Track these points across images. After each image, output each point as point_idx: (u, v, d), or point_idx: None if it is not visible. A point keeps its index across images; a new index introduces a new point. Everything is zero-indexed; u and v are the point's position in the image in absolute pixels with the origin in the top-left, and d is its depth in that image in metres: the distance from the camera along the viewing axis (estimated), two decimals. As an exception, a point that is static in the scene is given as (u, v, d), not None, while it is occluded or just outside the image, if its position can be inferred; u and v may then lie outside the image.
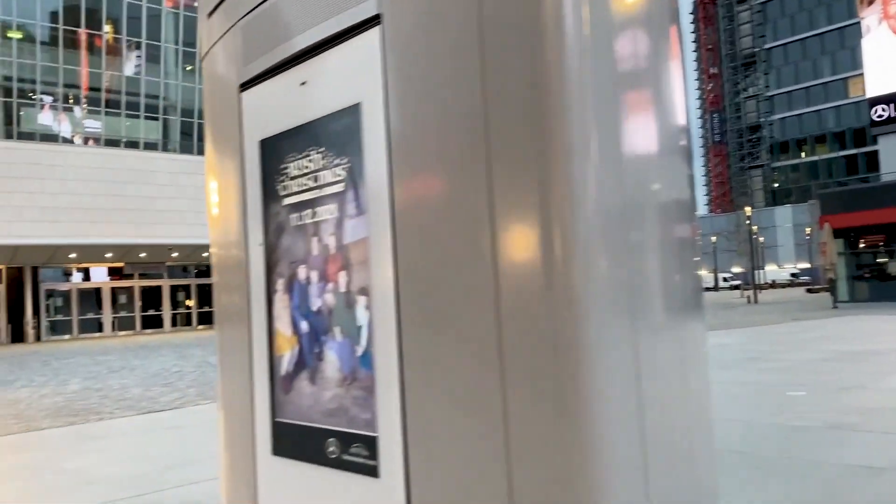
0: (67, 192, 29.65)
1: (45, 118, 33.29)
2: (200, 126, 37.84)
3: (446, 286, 1.72)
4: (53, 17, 33.44)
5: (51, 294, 31.88)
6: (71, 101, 33.95)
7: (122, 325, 33.10)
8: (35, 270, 30.84)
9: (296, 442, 2.38)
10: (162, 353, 20.10)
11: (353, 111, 2.05)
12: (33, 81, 33.02)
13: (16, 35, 32.86)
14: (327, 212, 2.23)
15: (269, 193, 2.49)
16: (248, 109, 2.57)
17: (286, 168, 2.40)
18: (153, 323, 33.96)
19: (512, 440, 1.56)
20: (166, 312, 34.45)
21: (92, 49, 34.36)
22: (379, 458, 1.95)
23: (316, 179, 2.26)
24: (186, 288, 35.43)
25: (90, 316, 32.66)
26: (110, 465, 6.35)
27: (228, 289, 2.81)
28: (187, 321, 35.11)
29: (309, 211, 2.30)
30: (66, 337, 31.43)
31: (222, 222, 2.82)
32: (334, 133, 2.16)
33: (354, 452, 2.08)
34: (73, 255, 30.39)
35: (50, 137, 33.09)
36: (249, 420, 2.62)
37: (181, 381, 13.12)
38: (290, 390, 2.44)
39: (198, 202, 32.77)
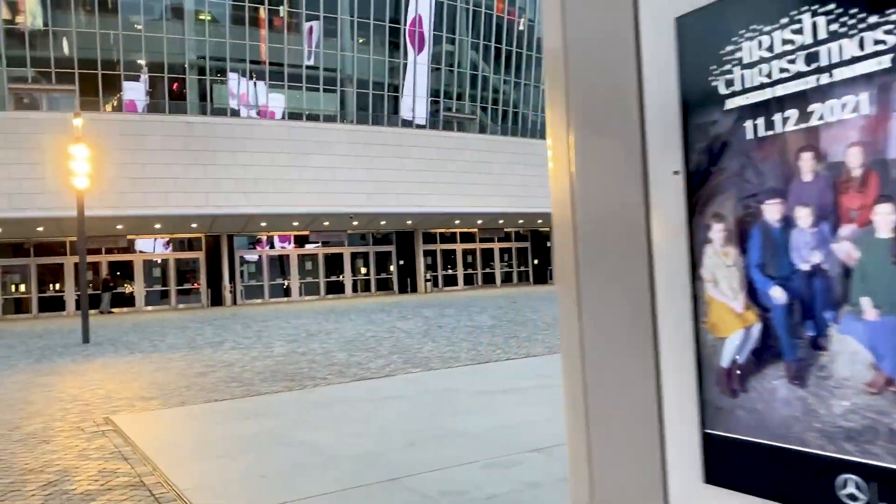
0: (256, 163, 31.15)
1: (234, 94, 35.14)
2: (375, 97, 38.47)
3: None
4: (239, -3, 35.04)
5: (244, 261, 33.97)
6: (256, 76, 35.57)
7: (308, 290, 34.65)
8: (230, 238, 32.89)
9: (756, 469, 1.55)
10: (350, 318, 20.49)
11: None
12: (223, 59, 34.89)
13: (206, 17, 34.80)
14: (841, 108, 1.34)
15: (694, 94, 1.64)
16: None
17: (736, 50, 1.54)
18: (335, 289, 35.29)
19: None
20: (347, 279, 35.67)
21: (273, 26, 35.71)
22: None
23: (813, 59, 1.38)
24: (365, 255, 36.46)
25: (279, 281, 34.47)
26: (344, 439, 6.00)
27: (593, 241, 2.02)
28: (366, 287, 36.16)
29: (793, 111, 1.43)
30: (258, 301, 33.38)
31: (591, 151, 2.02)
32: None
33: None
34: (263, 224, 32.06)
35: (239, 112, 34.94)
36: (653, 427, 1.82)
37: (380, 346, 13.02)
38: (740, 391, 1.61)
39: (375, 171, 33.37)
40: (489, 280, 40.03)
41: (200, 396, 8.66)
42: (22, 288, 30.61)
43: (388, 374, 9.62)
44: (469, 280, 39.38)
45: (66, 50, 32.07)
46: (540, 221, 39.72)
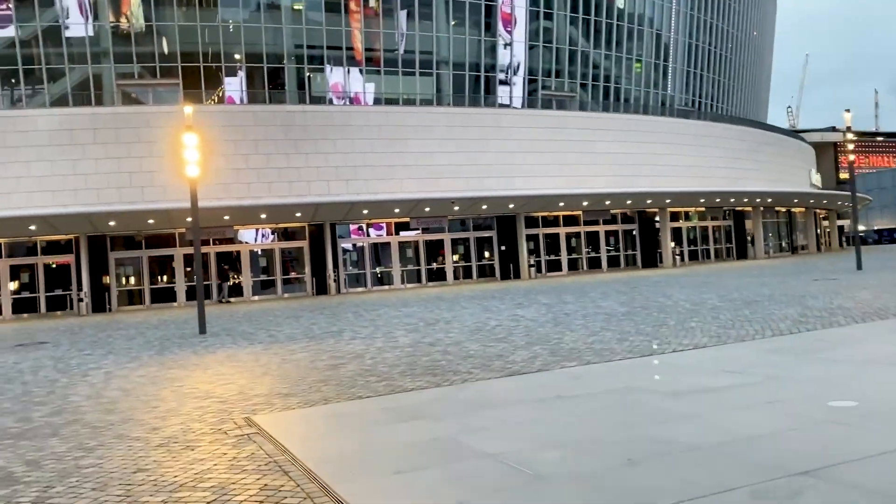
0: (356, 150, 30.73)
1: (331, 81, 34.86)
2: (471, 79, 37.44)
3: None
4: (333, -17, 34.66)
5: (346, 249, 33.75)
6: (352, 63, 35.16)
7: (409, 278, 34.09)
8: (333, 227, 32.67)
9: None
10: (462, 306, 19.59)
11: None
12: (319, 47, 34.64)
13: (301, 6, 34.59)
14: None
15: None
16: None
17: None
18: (437, 276, 34.61)
19: None
20: (448, 266, 34.90)
21: (367, 12, 35.17)
22: None
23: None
24: (465, 241, 35.58)
25: (380, 269, 34.08)
26: (537, 451, 4.98)
27: None
28: (467, 274, 35.31)
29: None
30: (361, 289, 33.08)
31: None
32: None
33: None
34: (365, 212, 31.65)
35: (336, 99, 34.65)
36: None
37: (512, 336, 12.00)
38: None
39: (474, 155, 32.37)
40: (594, 265, 38.41)
41: (341, 392, 7.87)
42: (131, 280, 31.33)
43: (540, 369, 8.58)
44: (573, 265, 37.89)
45: (169, 45, 32.53)
46: (649, 202, 37.76)
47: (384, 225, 34.22)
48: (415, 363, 9.69)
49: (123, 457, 5.67)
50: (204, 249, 31.20)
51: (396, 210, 32.05)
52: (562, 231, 37.59)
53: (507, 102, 38.29)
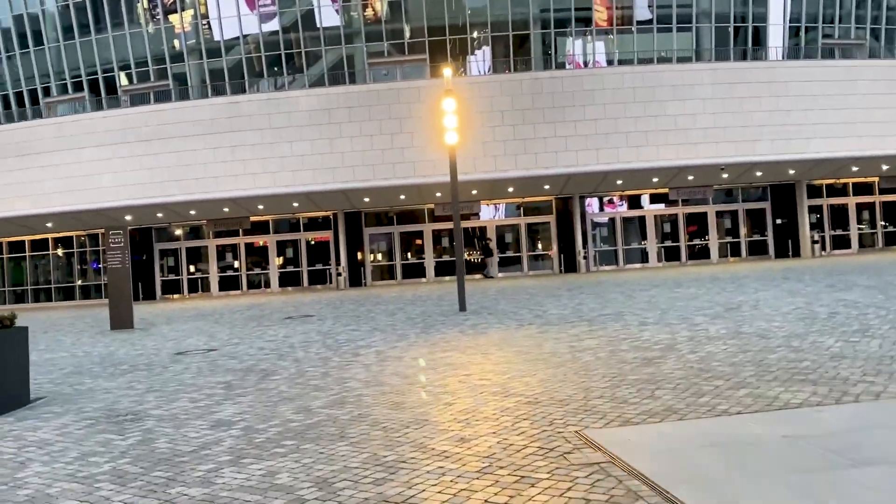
0: (607, 116, 28.26)
1: (579, 44, 32.55)
2: (737, 30, 33.04)
3: None
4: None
5: (597, 224, 31.48)
6: (601, 23, 32.52)
7: (668, 255, 30.99)
8: (582, 200, 30.60)
9: None
10: (753, 287, 16.49)
11: None
12: (567, 10, 32.45)
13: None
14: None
15: None
16: None
17: None
18: (699, 253, 31.11)
19: None
20: (713, 242, 31.19)
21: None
22: None
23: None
24: (733, 214, 31.56)
25: (634, 246, 31.37)
26: None
27: None
28: (735, 251, 31.31)
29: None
30: (612, 267, 30.70)
31: None
32: None
33: None
34: (619, 182, 29.14)
35: (584, 64, 32.30)
36: None
37: (869, 328, 9.09)
38: None
39: (743, 115, 28.33)
40: (893, 241, 32.27)
41: (688, 401, 5.80)
42: (384, 256, 31.78)
43: None
44: (867, 241, 32.11)
45: (415, 21, 32.32)
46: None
47: (639, 197, 31.42)
48: (761, 361, 7.33)
49: (440, 487, 4.10)
50: (451, 225, 30.74)
51: (654, 179, 29.10)
52: (851, 201, 31.97)
53: (780, 56, 33.28)
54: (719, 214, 31.36)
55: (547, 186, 28.79)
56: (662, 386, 6.46)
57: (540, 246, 31.66)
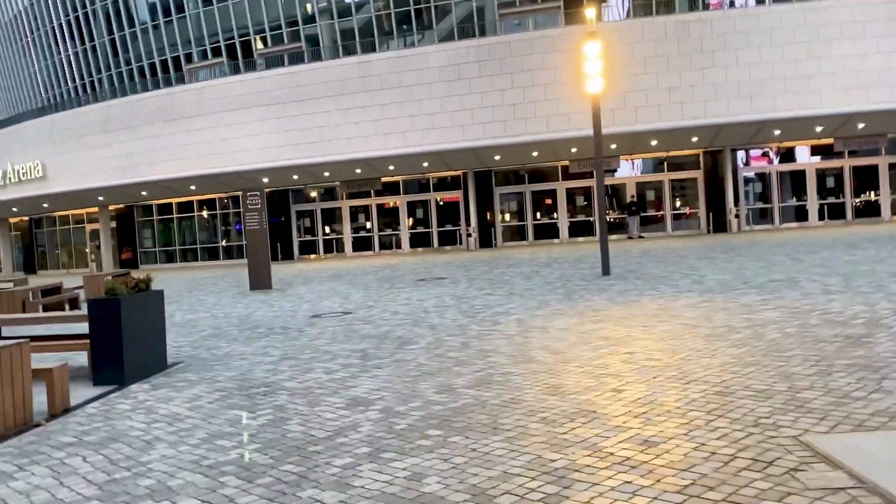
0: (763, 60, 25.54)
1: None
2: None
3: None
4: None
5: (749, 179, 28.88)
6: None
7: (831, 213, 27.99)
8: (733, 154, 28.12)
9: None
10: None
11: None
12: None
13: None
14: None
15: None
16: None
17: None
18: (867, 211, 27.88)
19: None
20: (884, 198, 27.81)
21: None
22: None
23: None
24: (913, 165, 28.07)
25: (791, 203, 28.57)
26: None
27: None
28: (911, 208, 27.89)
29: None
30: (766, 227, 28.11)
31: None
32: None
33: None
34: (777, 132, 26.43)
35: (737, 2, 29.37)
36: None
37: None
38: None
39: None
40: None
41: (935, 400, 4.52)
42: (514, 216, 30.77)
43: None
44: None
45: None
46: None
47: (793, 150, 28.50)
48: None
49: (635, 516, 3.17)
50: (587, 182, 29.25)
51: (818, 129, 26.15)
52: None
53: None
54: (892, 167, 27.88)
55: (695, 139, 26.58)
56: (889, 375, 5.16)
57: (683, 204, 29.52)
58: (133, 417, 5.61)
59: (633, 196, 29.00)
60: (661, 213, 29.32)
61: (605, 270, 14.61)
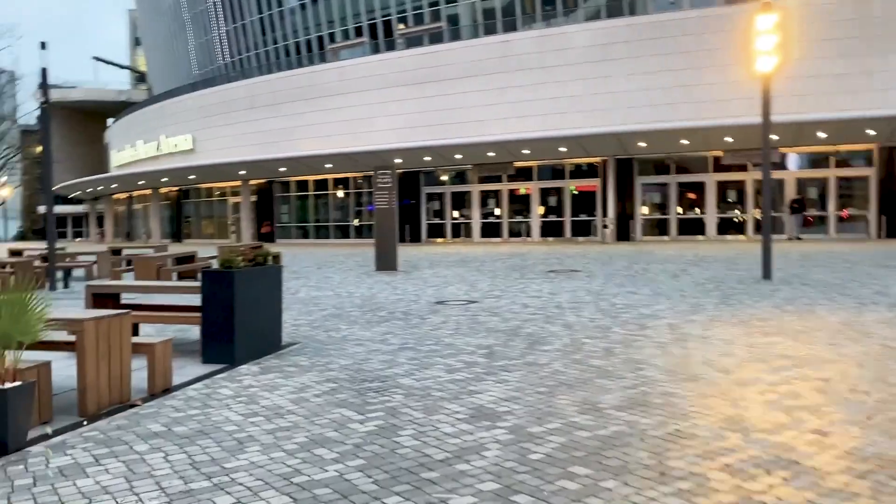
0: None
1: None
2: None
3: None
4: None
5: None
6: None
7: None
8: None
9: None
10: None
11: None
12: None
13: None
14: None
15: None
16: None
17: None
18: None
19: None
20: None
21: None
22: None
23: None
24: None
25: (985, 209, 24.94)
26: None
27: None
28: None
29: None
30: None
31: None
32: None
33: None
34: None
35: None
36: None
37: None
38: None
39: None
40: None
41: None
42: (657, 208, 28.83)
43: None
44: None
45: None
46: None
47: None
48: None
49: None
50: (739, 175, 26.87)
51: None
52: None
53: None
54: None
55: (872, 132, 23.66)
56: None
57: (849, 205, 26.46)
58: (232, 407, 4.98)
59: (800, 194, 26.29)
60: (824, 213, 26.43)
61: (766, 274, 12.90)
